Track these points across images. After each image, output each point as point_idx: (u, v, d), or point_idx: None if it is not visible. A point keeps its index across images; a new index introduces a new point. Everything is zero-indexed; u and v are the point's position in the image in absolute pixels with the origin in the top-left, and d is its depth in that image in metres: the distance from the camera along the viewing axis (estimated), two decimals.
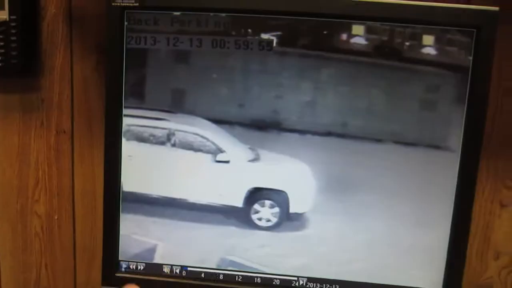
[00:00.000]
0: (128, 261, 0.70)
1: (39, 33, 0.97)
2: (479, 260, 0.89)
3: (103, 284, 0.70)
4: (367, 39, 0.64)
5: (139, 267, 0.70)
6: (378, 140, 0.66)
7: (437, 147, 0.65)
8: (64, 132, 1.00)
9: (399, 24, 0.63)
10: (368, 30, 0.64)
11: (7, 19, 0.91)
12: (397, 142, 0.66)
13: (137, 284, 0.69)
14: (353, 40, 0.64)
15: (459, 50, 0.63)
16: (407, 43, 0.64)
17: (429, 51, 0.64)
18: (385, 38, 0.64)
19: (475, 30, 0.62)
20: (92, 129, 0.99)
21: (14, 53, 0.94)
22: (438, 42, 0.63)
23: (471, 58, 0.63)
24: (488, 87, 0.63)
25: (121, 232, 0.69)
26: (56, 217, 1.03)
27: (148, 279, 0.70)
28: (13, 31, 0.93)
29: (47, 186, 1.02)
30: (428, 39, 0.64)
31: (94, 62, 0.96)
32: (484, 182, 0.86)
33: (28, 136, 1.01)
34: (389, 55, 0.64)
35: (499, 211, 0.86)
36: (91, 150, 1.00)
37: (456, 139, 0.64)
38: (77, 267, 1.04)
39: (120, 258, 0.70)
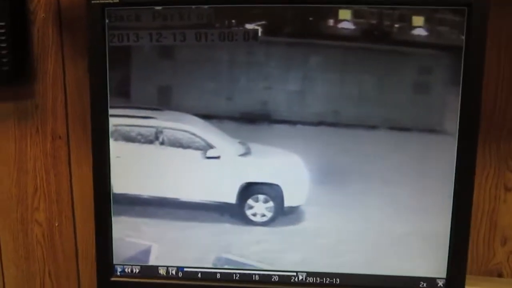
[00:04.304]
0: (123, 265, 0.69)
1: (30, 38, 0.96)
2: (486, 246, 0.87)
3: None
4: (355, 24, 0.62)
5: (134, 270, 0.69)
6: (372, 127, 0.64)
7: (433, 131, 0.63)
8: (60, 137, 0.99)
9: (387, 6, 0.61)
10: (356, 14, 0.62)
11: None
12: (391, 128, 0.64)
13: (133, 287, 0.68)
14: (340, 25, 0.63)
15: (451, 30, 0.61)
16: (396, 26, 0.62)
17: (420, 32, 0.62)
18: (373, 21, 0.62)
19: (466, 7, 0.60)
20: (87, 133, 0.98)
21: (5, 60, 0.93)
22: (429, 22, 0.61)
23: (463, 37, 0.61)
24: (483, 66, 0.60)
25: (114, 235, 0.69)
26: (56, 224, 1.02)
27: (144, 282, 0.69)
28: (3, 37, 0.92)
29: (46, 193, 1.01)
30: (418, 20, 0.61)
31: (86, 64, 0.95)
32: (488, 167, 0.84)
33: (24, 143, 1.00)
34: (379, 39, 0.62)
35: (504, 195, 0.84)
36: (88, 154, 0.98)
37: (452, 122, 0.62)
38: (81, 273, 1.04)
39: (114, 262, 0.69)
